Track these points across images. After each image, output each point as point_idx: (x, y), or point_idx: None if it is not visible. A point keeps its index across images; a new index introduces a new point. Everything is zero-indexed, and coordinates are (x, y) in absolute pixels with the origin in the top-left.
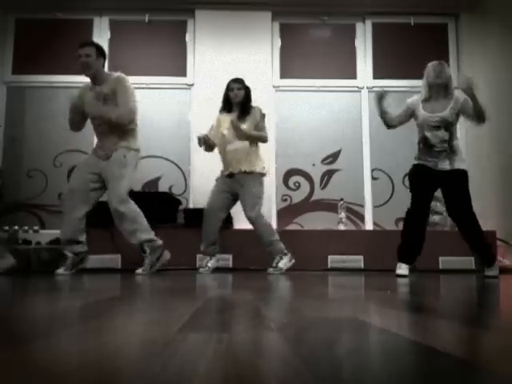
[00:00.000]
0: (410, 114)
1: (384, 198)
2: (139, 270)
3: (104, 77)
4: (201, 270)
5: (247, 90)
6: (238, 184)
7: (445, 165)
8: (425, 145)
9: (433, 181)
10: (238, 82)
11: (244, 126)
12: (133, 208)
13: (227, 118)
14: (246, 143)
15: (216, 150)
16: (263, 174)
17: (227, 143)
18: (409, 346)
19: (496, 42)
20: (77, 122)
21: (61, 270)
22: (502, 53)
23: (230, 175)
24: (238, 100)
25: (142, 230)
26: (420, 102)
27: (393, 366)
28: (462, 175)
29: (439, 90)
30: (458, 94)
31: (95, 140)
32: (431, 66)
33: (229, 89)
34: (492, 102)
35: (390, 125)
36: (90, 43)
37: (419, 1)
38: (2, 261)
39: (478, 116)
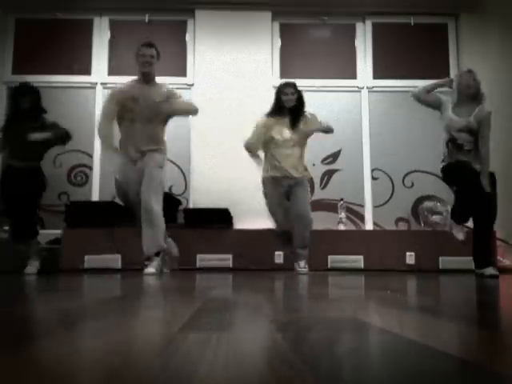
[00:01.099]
0: (438, 105)
1: (384, 198)
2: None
3: (155, 81)
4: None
5: (300, 94)
6: (290, 187)
7: (476, 166)
8: (454, 144)
9: (470, 175)
10: (291, 86)
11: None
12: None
13: (278, 123)
14: (299, 149)
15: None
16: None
17: (281, 147)
18: (409, 346)
19: (496, 42)
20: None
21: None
22: (501, 53)
23: (284, 178)
24: (291, 104)
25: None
26: (450, 103)
27: (393, 366)
28: (491, 177)
29: (468, 97)
30: (483, 106)
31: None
32: (463, 74)
33: (282, 92)
34: (492, 101)
35: (422, 98)
36: (153, 45)
37: (419, 1)
38: (32, 264)
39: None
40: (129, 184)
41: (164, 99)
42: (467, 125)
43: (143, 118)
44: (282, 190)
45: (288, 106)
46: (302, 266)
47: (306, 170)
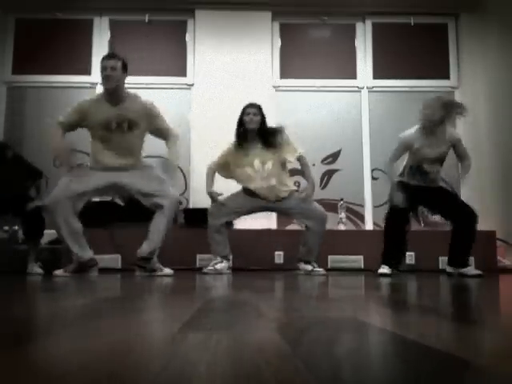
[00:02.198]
0: (406, 148)
1: (384, 198)
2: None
3: (124, 95)
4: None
5: (264, 118)
6: (280, 207)
7: (432, 184)
8: (418, 170)
9: (421, 195)
10: (255, 106)
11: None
12: None
13: (248, 152)
14: (275, 170)
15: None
16: (297, 190)
17: (255, 180)
18: (409, 346)
19: (496, 42)
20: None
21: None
22: (501, 52)
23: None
24: (253, 126)
25: None
26: (418, 135)
27: (393, 366)
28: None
29: (435, 125)
30: (451, 132)
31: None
32: (424, 104)
33: (244, 113)
34: (492, 101)
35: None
36: (116, 56)
37: (419, 1)
38: (36, 264)
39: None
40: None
41: (137, 120)
42: (440, 156)
43: (117, 143)
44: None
45: (249, 128)
46: (316, 266)
47: (289, 185)
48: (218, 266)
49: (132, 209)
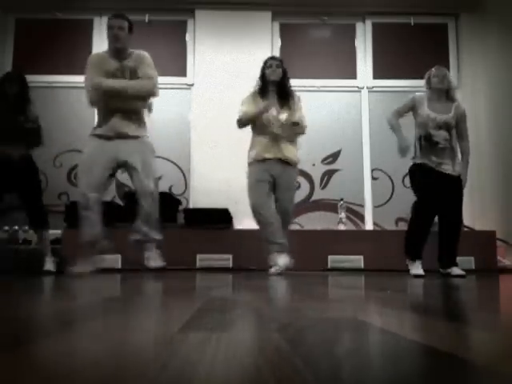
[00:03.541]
0: (412, 106)
1: (384, 198)
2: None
3: (129, 52)
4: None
5: (286, 70)
6: (278, 170)
7: (448, 167)
8: (428, 142)
9: (437, 182)
10: (276, 59)
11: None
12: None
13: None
14: (288, 126)
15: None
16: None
17: (273, 127)
18: (409, 346)
19: (496, 42)
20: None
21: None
22: (501, 53)
23: (273, 159)
24: (274, 78)
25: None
26: (425, 100)
27: (393, 367)
28: (461, 183)
29: (441, 93)
30: (459, 104)
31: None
32: (434, 70)
33: (266, 66)
34: (492, 101)
35: (399, 117)
36: (124, 16)
37: (419, 1)
38: (48, 261)
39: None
40: (96, 160)
41: (136, 69)
42: (446, 121)
43: (122, 98)
44: (266, 175)
45: (271, 79)
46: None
47: (296, 154)
48: (281, 262)
49: (132, 209)
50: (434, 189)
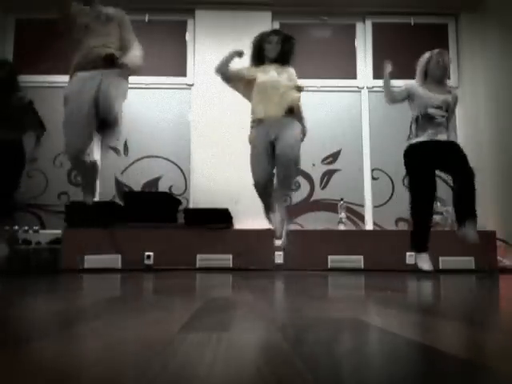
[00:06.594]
0: (407, 94)
1: (384, 198)
2: None
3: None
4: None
5: (291, 40)
6: (277, 128)
7: (443, 136)
8: (425, 118)
9: (433, 155)
10: (277, 33)
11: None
12: None
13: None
14: (287, 83)
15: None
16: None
17: (268, 90)
18: (409, 346)
19: (496, 42)
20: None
21: None
22: (501, 53)
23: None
24: (272, 55)
25: None
26: (418, 85)
27: (393, 367)
28: (458, 145)
29: (435, 77)
30: (452, 87)
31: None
32: (433, 55)
33: (265, 41)
34: (492, 101)
35: (393, 99)
36: None
37: (419, 1)
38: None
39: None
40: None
41: (113, 21)
42: (445, 100)
43: (98, 31)
44: (266, 137)
45: (270, 56)
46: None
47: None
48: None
49: (132, 209)
50: (430, 166)
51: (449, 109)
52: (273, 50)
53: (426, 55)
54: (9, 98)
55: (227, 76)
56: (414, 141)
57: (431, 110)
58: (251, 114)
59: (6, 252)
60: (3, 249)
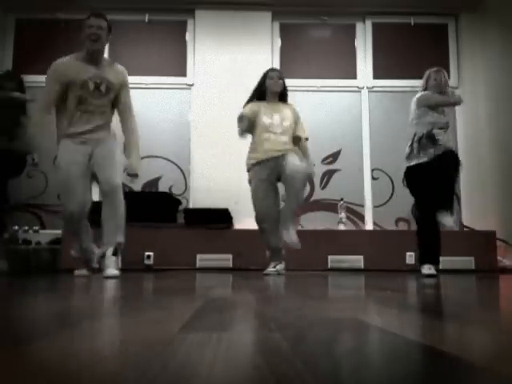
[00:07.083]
0: (427, 101)
1: (384, 198)
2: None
3: (103, 58)
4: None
5: (284, 82)
6: (281, 163)
7: (440, 149)
8: (428, 138)
9: (432, 170)
10: (278, 71)
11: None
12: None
13: (265, 107)
14: (290, 130)
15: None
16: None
17: (269, 132)
18: (409, 346)
19: (496, 42)
20: (52, 100)
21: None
22: (502, 53)
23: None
24: (277, 89)
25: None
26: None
27: (393, 367)
28: (455, 154)
29: (442, 92)
30: (452, 90)
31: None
32: (432, 73)
33: (267, 77)
34: (492, 101)
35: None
36: (104, 15)
37: (419, 1)
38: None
39: None
40: (72, 167)
41: (116, 85)
42: (448, 122)
43: (94, 106)
44: (268, 173)
45: (274, 90)
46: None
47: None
48: (279, 267)
49: (132, 209)
50: (432, 180)
51: (447, 130)
52: (276, 85)
53: (426, 73)
54: (18, 117)
55: (248, 130)
56: (413, 163)
57: (436, 131)
58: (249, 153)
59: (5, 267)
60: (2, 264)
